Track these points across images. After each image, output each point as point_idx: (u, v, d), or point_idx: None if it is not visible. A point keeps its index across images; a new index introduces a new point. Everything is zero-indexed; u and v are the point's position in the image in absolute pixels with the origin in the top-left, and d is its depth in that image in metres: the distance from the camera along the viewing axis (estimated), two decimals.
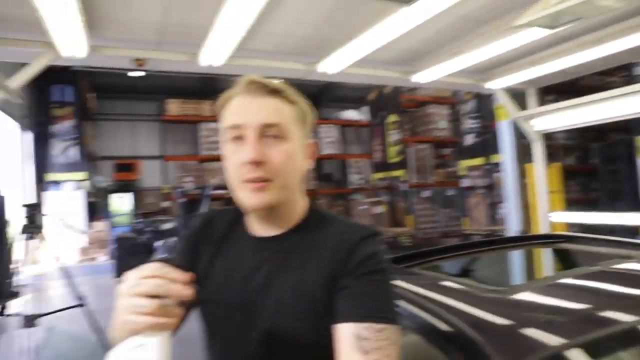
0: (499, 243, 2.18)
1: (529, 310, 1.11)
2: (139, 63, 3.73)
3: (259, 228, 1.01)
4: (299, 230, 0.99)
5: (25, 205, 3.61)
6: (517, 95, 5.70)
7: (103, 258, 11.30)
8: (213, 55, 3.64)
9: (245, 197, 0.94)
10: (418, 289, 1.28)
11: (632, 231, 7.52)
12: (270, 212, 0.96)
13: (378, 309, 0.85)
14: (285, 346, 0.91)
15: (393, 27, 3.36)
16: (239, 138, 0.93)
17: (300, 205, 1.02)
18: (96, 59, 3.54)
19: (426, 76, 4.65)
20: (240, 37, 3.32)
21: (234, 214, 1.08)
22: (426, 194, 14.35)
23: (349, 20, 3.44)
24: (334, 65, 4.15)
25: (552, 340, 0.93)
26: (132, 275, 0.74)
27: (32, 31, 3.05)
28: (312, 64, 4.19)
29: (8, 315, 3.30)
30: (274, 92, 0.95)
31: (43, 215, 3.63)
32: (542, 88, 5.58)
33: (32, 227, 3.53)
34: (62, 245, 10.23)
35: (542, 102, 5.76)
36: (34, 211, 3.62)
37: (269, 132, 0.92)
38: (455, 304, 1.16)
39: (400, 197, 14.45)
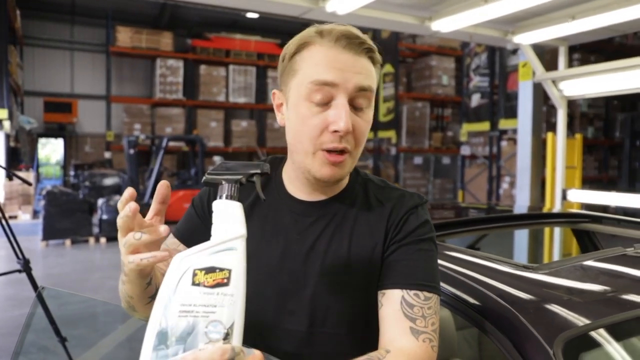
0: (517, 219, 2.30)
1: (558, 290, 1.28)
2: None
3: (303, 192, 1.07)
4: (346, 195, 1.07)
5: None
6: (542, 54, 5.81)
7: (25, 217, 11.15)
8: None
9: (319, 167, 0.98)
10: (442, 262, 1.39)
11: None
12: (333, 182, 1.03)
13: (426, 277, 0.98)
14: (329, 314, 1.01)
15: None
16: (326, 98, 0.96)
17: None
18: None
19: (447, 24, 4.70)
20: None
21: None
22: (418, 160, 14.56)
23: None
24: (344, 5, 4.16)
25: (582, 320, 1.09)
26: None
27: None
28: (318, 1, 4.19)
29: None
30: (369, 51, 0.98)
31: None
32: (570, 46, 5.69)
33: None
34: None
35: (569, 61, 5.88)
36: None
37: (359, 98, 0.97)
38: (485, 279, 1.30)
39: (387, 163, 14.61)
